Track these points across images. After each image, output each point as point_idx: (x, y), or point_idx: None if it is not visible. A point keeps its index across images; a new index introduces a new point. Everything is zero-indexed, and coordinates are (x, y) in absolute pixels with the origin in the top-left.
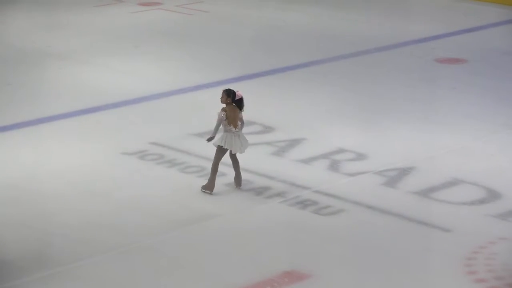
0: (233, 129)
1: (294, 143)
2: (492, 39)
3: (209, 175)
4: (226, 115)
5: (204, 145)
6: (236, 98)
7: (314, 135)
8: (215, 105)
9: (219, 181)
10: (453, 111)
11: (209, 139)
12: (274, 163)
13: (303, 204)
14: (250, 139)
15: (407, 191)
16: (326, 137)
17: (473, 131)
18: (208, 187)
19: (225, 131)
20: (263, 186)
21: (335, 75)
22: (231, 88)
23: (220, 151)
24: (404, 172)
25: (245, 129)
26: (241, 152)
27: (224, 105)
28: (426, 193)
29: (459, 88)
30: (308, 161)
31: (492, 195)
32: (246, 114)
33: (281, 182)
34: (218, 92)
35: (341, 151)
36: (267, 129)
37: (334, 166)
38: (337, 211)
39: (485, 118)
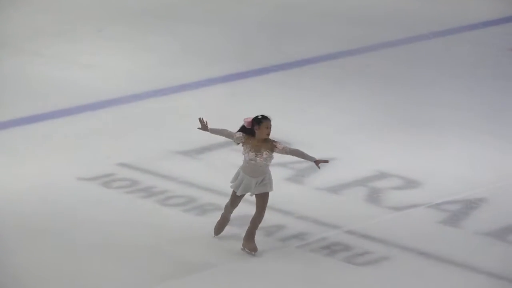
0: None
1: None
2: None
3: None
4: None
5: (193, 167)
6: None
7: (344, 153)
8: (204, 112)
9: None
10: None
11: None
12: (290, 192)
13: (331, 249)
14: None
15: (476, 232)
16: (362, 157)
17: None
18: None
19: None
20: (275, 224)
21: (371, 71)
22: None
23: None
24: (470, 205)
25: None
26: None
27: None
28: (502, 234)
29: None
30: (337, 189)
31: None
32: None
33: (300, 218)
34: (211, 94)
35: (383, 176)
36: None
37: (373, 197)
38: (379, 259)
39: None
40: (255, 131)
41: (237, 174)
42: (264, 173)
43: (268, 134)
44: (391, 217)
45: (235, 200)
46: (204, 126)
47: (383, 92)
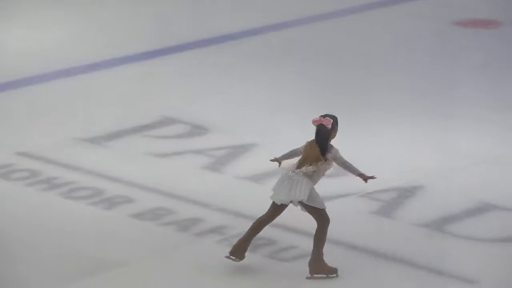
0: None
1: (238, 151)
2: None
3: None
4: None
5: (101, 156)
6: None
7: (268, 139)
8: (115, 95)
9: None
10: (481, 101)
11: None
12: (208, 181)
13: (253, 244)
14: (172, 143)
15: (412, 223)
16: (288, 141)
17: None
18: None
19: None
20: (191, 217)
21: (302, 47)
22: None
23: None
24: (406, 194)
25: (163, 131)
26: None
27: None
28: (441, 225)
29: (491, 65)
30: (260, 178)
31: None
32: (166, 108)
33: (219, 210)
34: (123, 74)
35: None
36: (197, 130)
37: None
38: (305, 253)
39: None
40: (333, 133)
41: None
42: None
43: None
44: None
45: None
46: (276, 160)
47: (312, 71)
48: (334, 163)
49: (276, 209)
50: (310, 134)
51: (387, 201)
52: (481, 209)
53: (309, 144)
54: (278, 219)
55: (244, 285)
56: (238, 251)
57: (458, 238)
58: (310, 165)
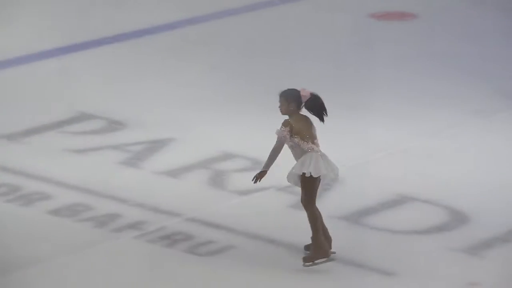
0: (315, 146)
1: (155, 146)
2: None
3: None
4: (291, 131)
5: (18, 152)
6: (303, 99)
7: (185, 133)
8: (31, 90)
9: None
10: (397, 93)
11: (258, 176)
12: (125, 176)
13: (171, 239)
14: (89, 139)
15: (330, 216)
16: (205, 137)
17: (426, 124)
18: (317, 255)
19: (304, 152)
20: (109, 213)
21: (219, 41)
22: (292, 88)
23: (310, 184)
24: (323, 187)
25: (80, 127)
26: (334, 179)
27: (286, 117)
28: (358, 218)
29: (406, 57)
30: (177, 173)
31: (457, 219)
32: (82, 104)
33: (137, 206)
34: (40, 70)
35: (227, 157)
36: (114, 125)
37: (217, 180)
38: (223, 248)
39: (444, 103)
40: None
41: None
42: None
43: (282, 112)
44: (237, 202)
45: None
46: (258, 176)
47: (228, 65)
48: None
49: (314, 184)
50: (226, 128)
51: None
52: (397, 201)
53: (297, 120)
54: (196, 215)
55: (163, 280)
56: (318, 252)
57: (375, 230)
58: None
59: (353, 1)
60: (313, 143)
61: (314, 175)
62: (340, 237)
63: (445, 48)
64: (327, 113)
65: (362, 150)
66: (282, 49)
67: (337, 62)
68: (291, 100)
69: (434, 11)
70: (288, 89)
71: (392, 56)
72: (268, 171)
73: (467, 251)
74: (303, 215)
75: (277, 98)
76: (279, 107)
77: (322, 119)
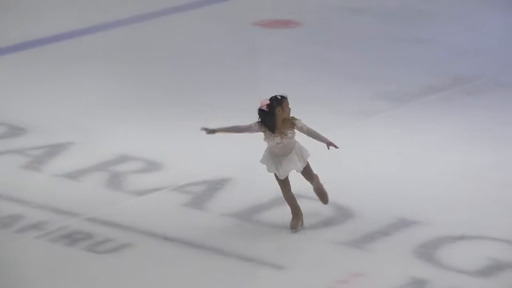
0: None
1: (55, 150)
2: None
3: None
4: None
5: None
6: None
7: (83, 137)
8: None
9: None
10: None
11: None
12: (26, 180)
13: (71, 238)
14: None
15: (221, 213)
16: (102, 140)
17: (314, 125)
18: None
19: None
20: (11, 214)
21: (116, 49)
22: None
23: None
24: (215, 186)
25: None
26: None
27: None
28: (249, 214)
29: (292, 62)
30: (76, 175)
31: (342, 214)
32: None
33: (38, 208)
34: None
35: (124, 159)
36: (15, 130)
37: (115, 182)
38: (121, 246)
39: (330, 105)
40: (277, 113)
41: (267, 159)
42: (293, 147)
43: (289, 113)
44: (134, 202)
45: (283, 183)
46: (210, 131)
47: (122, 72)
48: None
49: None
50: (123, 132)
51: (198, 193)
52: (283, 199)
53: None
54: (95, 214)
55: (65, 277)
56: (299, 222)
57: (266, 226)
58: (290, 130)
59: (237, 11)
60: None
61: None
62: (232, 233)
63: (328, 54)
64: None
65: (252, 151)
66: (174, 57)
67: (226, 68)
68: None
69: (317, 19)
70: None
71: (277, 61)
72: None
73: (351, 244)
74: (196, 213)
75: (170, 103)
76: (286, 110)
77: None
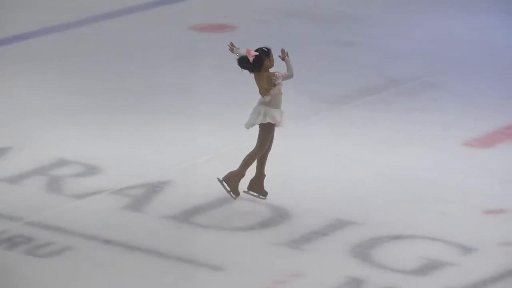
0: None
1: None
2: None
3: None
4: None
5: None
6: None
7: (21, 141)
8: None
9: None
10: (222, 100)
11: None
12: None
13: (11, 242)
14: None
15: (160, 216)
16: (40, 144)
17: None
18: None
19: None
20: None
21: (51, 53)
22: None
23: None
24: (154, 189)
25: None
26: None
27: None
28: (187, 216)
29: (227, 66)
30: (15, 179)
31: (279, 215)
32: None
33: None
34: None
35: (62, 163)
36: None
37: (54, 185)
38: (62, 249)
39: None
40: (265, 64)
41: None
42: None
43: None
44: (74, 205)
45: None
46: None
47: (60, 76)
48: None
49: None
50: (62, 136)
51: (137, 196)
52: (223, 200)
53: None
54: (35, 218)
55: (4, 282)
56: (257, 187)
57: (204, 228)
58: (266, 95)
59: (174, 15)
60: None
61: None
62: (171, 236)
63: None
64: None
65: (190, 154)
66: (112, 62)
67: (163, 72)
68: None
69: (253, 23)
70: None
71: (213, 65)
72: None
73: (290, 245)
74: (135, 216)
75: (109, 107)
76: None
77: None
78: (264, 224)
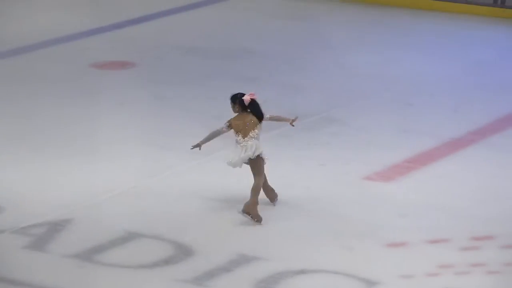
0: (241, 139)
1: None
2: (168, 31)
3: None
4: (230, 126)
5: None
6: (246, 103)
7: None
8: None
9: None
10: (123, 136)
11: (196, 146)
12: None
13: None
14: None
15: (63, 255)
16: None
17: (152, 164)
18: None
19: (236, 142)
20: None
21: None
22: (238, 93)
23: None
24: (56, 227)
25: None
26: (252, 157)
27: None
28: (90, 255)
29: (129, 104)
30: None
31: (182, 252)
32: None
33: None
34: None
35: None
36: None
37: None
38: None
39: (170, 142)
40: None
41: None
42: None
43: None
44: None
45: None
46: (195, 146)
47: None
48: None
49: (253, 167)
50: None
51: (39, 235)
52: (126, 238)
53: (240, 117)
54: None
55: None
56: (257, 214)
57: (107, 266)
58: (254, 129)
59: (73, 53)
60: (243, 137)
61: (231, 166)
62: (74, 274)
63: (164, 91)
64: (263, 114)
65: (91, 191)
66: (17, 97)
67: (64, 108)
68: (235, 103)
69: (152, 60)
70: (234, 94)
71: (115, 101)
72: (201, 146)
73: (193, 282)
74: (38, 255)
75: (10, 142)
76: (231, 107)
77: (260, 118)
78: (168, 261)
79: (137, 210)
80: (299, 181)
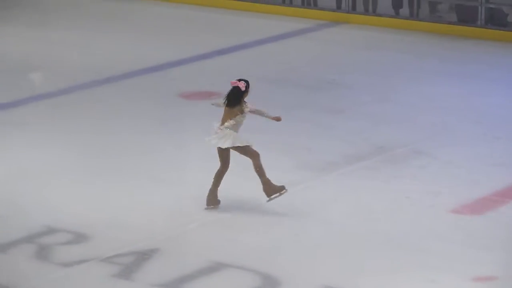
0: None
1: None
2: (255, 62)
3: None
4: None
5: None
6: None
7: (9, 209)
8: None
9: None
10: (213, 165)
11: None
12: None
13: None
14: None
15: (149, 284)
16: (28, 211)
17: (239, 192)
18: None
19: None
20: None
21: (42, 119)
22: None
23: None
24: (143, 257)
25: None
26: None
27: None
28: (176, 284)
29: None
30: (4, 248)
31: (269, 283)
32: None
33: None
34: None
35: (51, 231)
36: None
37: (42, 254)
38: None
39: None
40: (245, 95)
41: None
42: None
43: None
44: (63, 274)
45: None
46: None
47: (46, 141)
48: (246, 114)
49: (221, 155)
50: (54, 204)
51: (126, 264)
52: (213, 268)
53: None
54: (24, 286)
55: None
56: (213, 200)
57: None
58: (230, 119)
59: (162, 82)
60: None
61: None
62: None
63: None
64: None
65: (178, 220)
66: (98, 125)
67: (151, 137)
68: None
69: None
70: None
71: (201, 130)
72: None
73: None
74: (125, 284)
75: (95, 171)
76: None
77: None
78: None
79: (224, 239)
80: (383, 213)
